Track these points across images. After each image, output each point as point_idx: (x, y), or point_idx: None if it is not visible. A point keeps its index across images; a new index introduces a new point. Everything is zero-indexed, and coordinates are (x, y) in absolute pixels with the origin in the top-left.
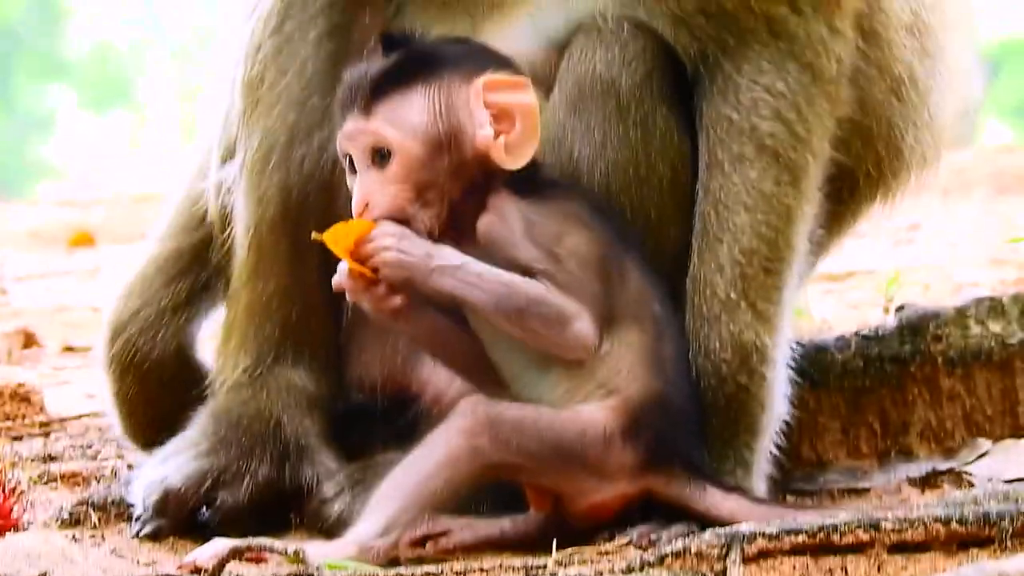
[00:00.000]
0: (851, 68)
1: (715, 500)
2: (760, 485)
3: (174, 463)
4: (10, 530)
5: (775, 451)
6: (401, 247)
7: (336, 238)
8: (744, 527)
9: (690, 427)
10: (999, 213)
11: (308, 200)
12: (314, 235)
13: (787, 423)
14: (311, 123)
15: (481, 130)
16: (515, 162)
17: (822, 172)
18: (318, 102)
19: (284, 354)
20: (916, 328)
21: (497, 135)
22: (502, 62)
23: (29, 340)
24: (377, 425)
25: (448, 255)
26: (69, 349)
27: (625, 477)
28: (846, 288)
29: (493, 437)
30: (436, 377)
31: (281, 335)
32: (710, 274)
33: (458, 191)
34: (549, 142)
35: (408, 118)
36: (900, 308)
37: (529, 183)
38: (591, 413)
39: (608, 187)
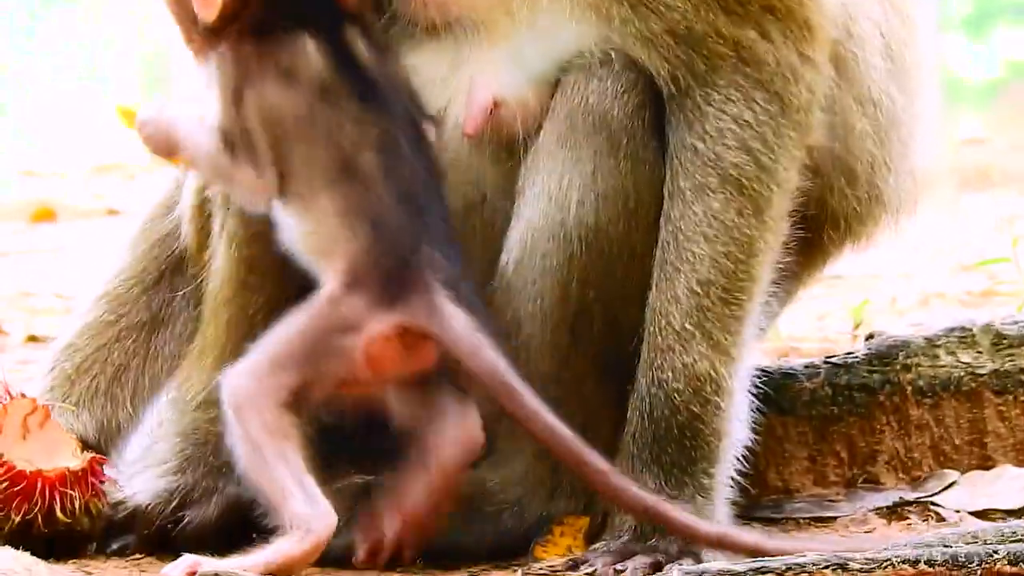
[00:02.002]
0: (825, 97)
1: (454, 321)
2: (722, 511)
3: (141, 480)
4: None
5: (740, 478)
6: None
7: None
8: (713, 566)
9: (433, 261)
10: (965, 210)
11: None
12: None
13: (753, 450)
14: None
15: None
16: None
17: (789, 202)
18: None
19: None
20: (885, 357)
21: None
22: None
23: None
24: (349, 445)
25: None
26: (33, 339)
27: (370, 320)
28: (811, 297)
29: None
30: None
31: None
32: (666, 304)
33: None
34: (538, 173)
35: None
36: (870, 337)
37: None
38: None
39: (597, 218)
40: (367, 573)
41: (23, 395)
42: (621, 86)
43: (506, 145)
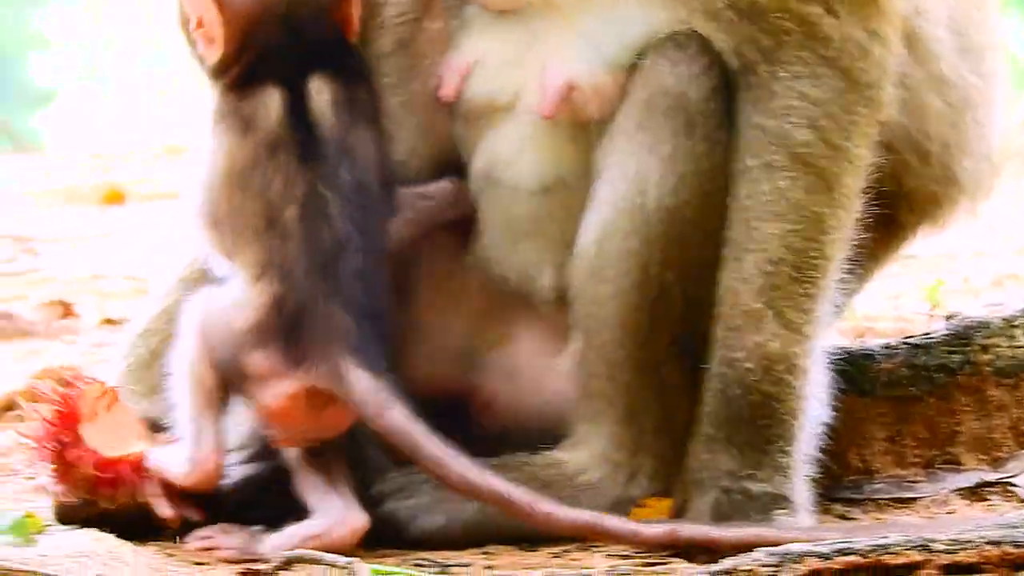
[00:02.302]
0: (896, 73)
1: (358, 384)
2: (801, 490)
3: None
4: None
5: (821, 457)
6: None
7: None
8: (796, 547)
9: (341, 324)
10: None
11: None
12: None
13: (834, 431)
14: None
15: None
16: None
17: (862, 179)
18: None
19: None
20: (963, 338)
21: None
22: None
23: (66, 311)
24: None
25: None
26: (108, 321)
27: (273, 379)
28: (885, 276)
29: None
30: (487, 382)
31: None
32: (736, 283)
33: None
34: (616, 156)
35: None
36: (950, 317)
37: None
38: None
39: (675, 200)
40: (452, 552)
41: (93, 380)
42: (697, 69)
43: (582, 127)
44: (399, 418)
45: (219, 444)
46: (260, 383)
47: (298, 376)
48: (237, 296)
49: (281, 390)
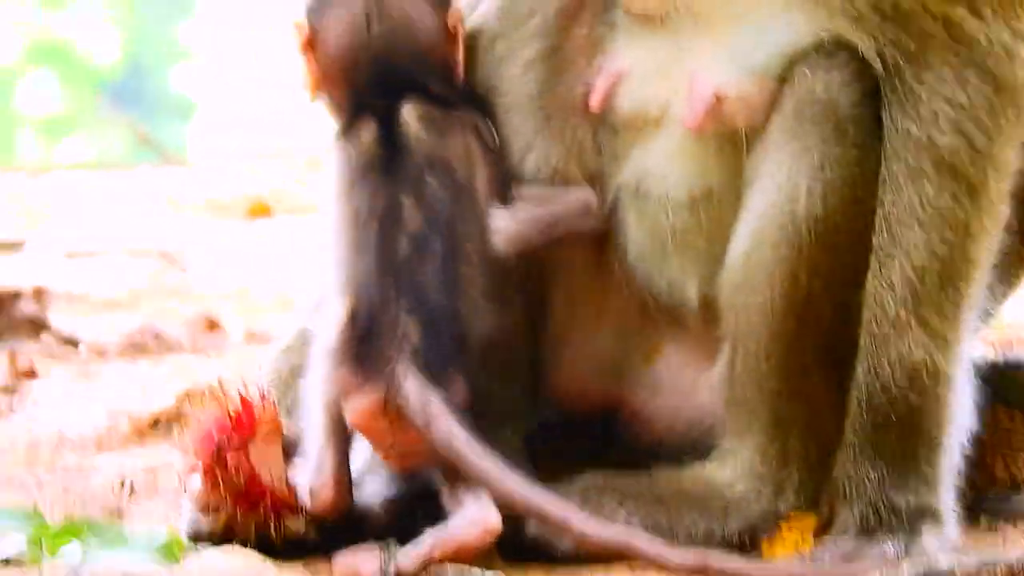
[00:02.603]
0: None
1: (409, 392)
2: (947, 501)
3: (366, 485)
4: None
5: (967, 469)
6: None
7: None
8: (942, 562)
9: (402, 331)
10: None
11: None
12: None
13: (980, 442)
14: (518, 147)
15: None
16: None
17: (1008, 184)
18: (523, 126)
19: None
20: None
21: None
22: None
23: (213, 326)
24: (572, 442)
25: None
26: (252, 336)
27: (353, 395)
28: None
29: None
30: (634, 395)
31: None
32: (881, 291)
33: None
34: (766, 165)
35: None
36: None
37: None
38: None
39: (825, 208)
40: (599, 565)
41: (276, 406)
42: (847, 76)
43: (730, 138)
44: (443, 427)
45: (338, 476)
46: (345, 400)
47: (367, 389)
48: (329, 317)
49: (358, 406)
